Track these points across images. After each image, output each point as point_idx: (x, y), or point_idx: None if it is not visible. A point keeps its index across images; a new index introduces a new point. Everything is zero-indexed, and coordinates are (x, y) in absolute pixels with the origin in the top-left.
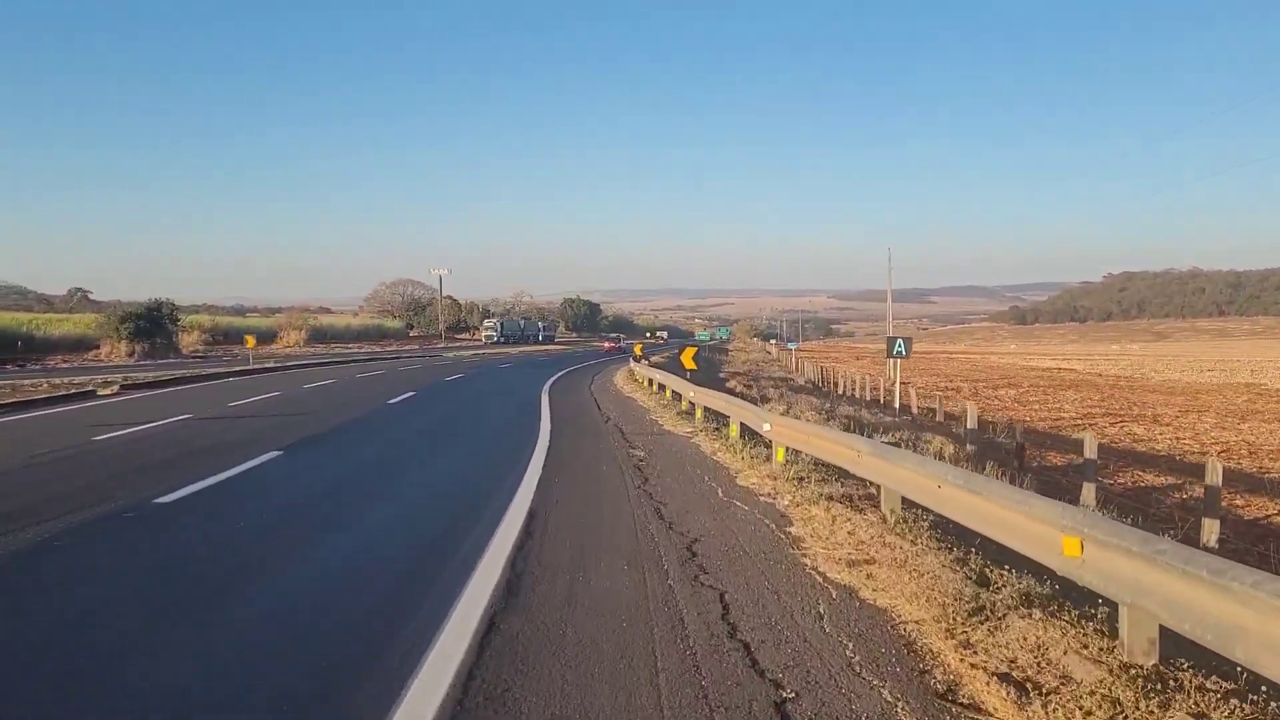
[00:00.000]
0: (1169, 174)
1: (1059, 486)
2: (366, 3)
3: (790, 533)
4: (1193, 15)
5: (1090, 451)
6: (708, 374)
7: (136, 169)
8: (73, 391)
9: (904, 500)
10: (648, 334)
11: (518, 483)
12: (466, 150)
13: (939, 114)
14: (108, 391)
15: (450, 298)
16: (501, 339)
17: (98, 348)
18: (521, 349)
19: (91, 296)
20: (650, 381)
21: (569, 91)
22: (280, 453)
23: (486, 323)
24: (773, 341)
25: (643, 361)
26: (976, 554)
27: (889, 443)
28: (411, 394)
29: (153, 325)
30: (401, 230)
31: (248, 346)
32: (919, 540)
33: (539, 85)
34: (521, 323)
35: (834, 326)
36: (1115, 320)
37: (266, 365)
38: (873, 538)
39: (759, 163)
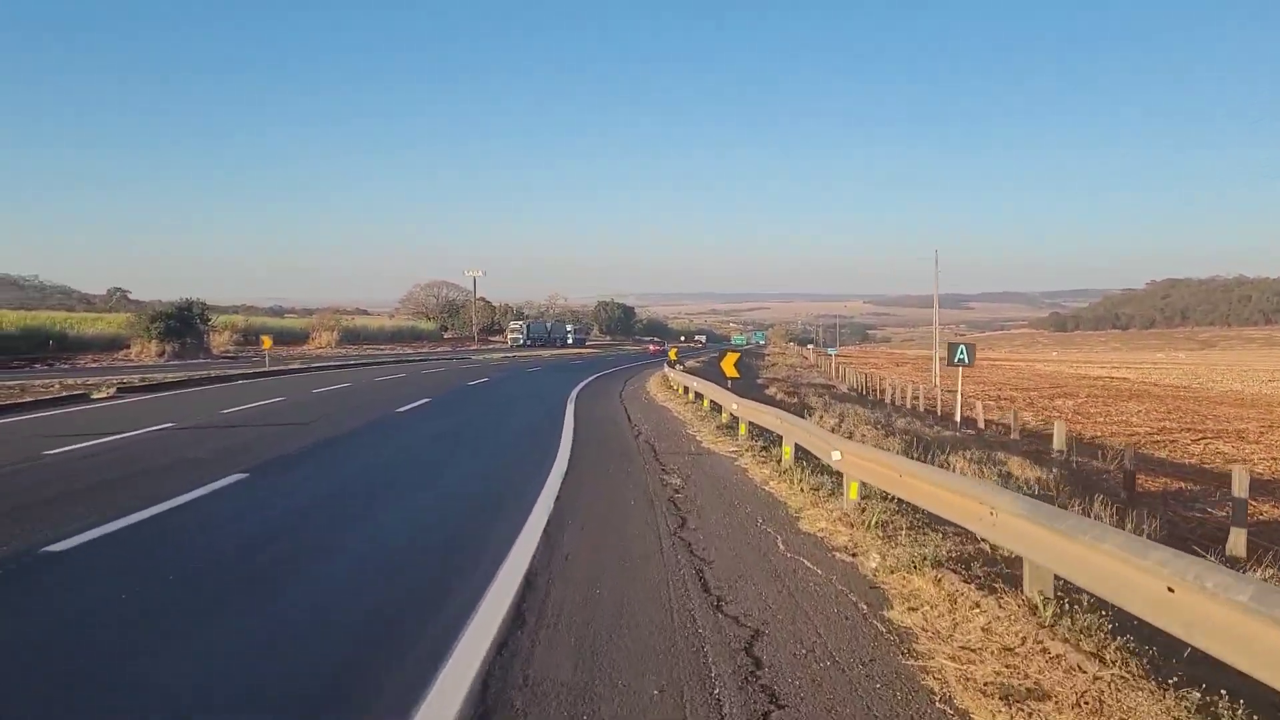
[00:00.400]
0: (1212, 181)
1: (1182, 526)
2: (414, 6)
3: (892, 622)
4: (1230, 20)
5: (1241, 489)
6: (746, 380)
7: (180, 174)
8: (66, 395)
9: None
10: (682, 337)
11: (518, 529)
12: (505, 154)
13: (977, 121)
14: (103, 394)
15: (483, 299)
16: (528, 341)
17: (128, 347)
18: (552, 352)
19: (131, 296)
20: (686, 389)
21: (607, 96)
22: (243, 476)
23: (513, 325)
24: (810, 347)
25: (677, 366)
26: (1227, 700)
27: (1038, 497)
28: (426, 400)
29: (183, 325)
30: (439, 233)
31: (264, 348)
32: (1108, 655)
33: (577, 90)
34: (549, 325)
35: (870, 332)
36: (1158, 328)
37: (289, 367)
38: (1023, 641)
39: (796, 168)
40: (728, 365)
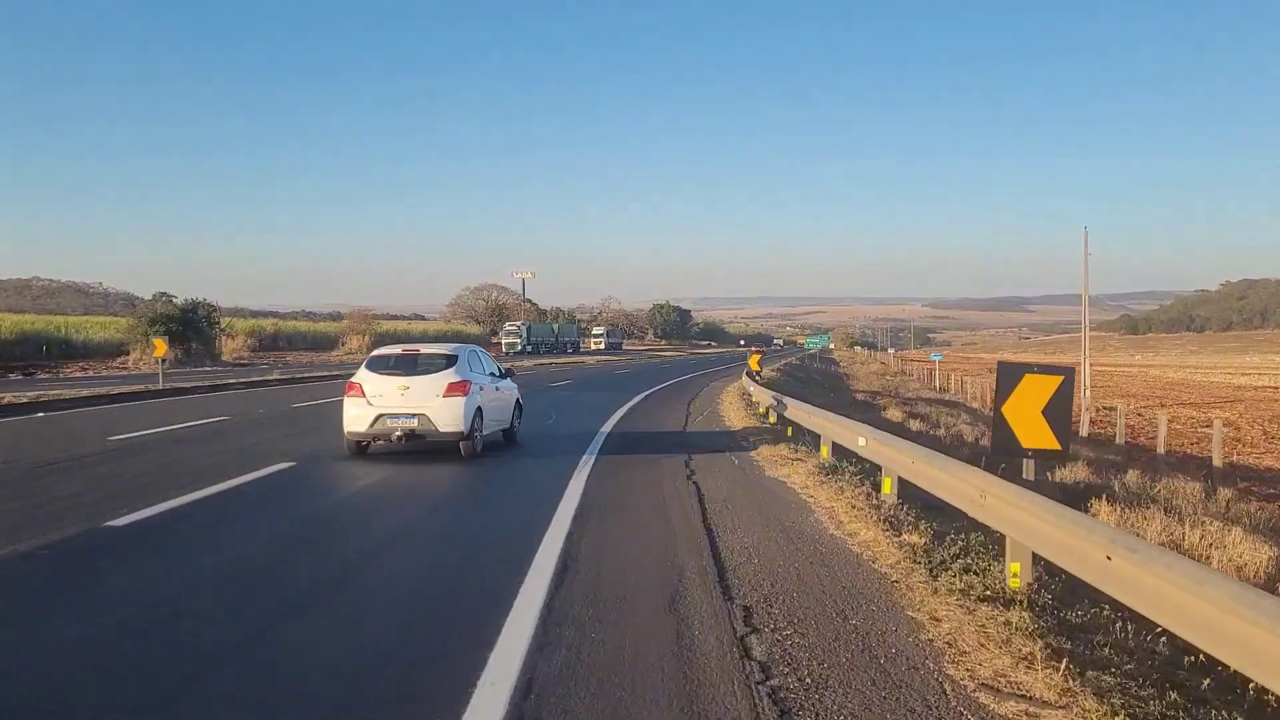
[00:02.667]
0: None
1: None
2: (454, 14)
3: None
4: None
5: None
6: (836, 393)
7: (226, 176)
8: None
9: None
10: (741, 341)
11: None
12: (558, 156)
13: (1030, 123)
14: None
15: (531, 302)
16: (529, 347)
17: (128, 354)
18: (570, 360)
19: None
20: (763, 409)
21: (661, 101)
22: None
23: (507, 327)
24: (892, 351)
25: (757, 379)
26: None
27: None
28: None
29: (187, 329)
30: (492, 236)
31: (225, 352)
32: None
33: (631, 94)
34: (554, 327)
35: (930, 336)
36: (1236, 330)
37: (289, 376)
38: None
39: (853, 169)
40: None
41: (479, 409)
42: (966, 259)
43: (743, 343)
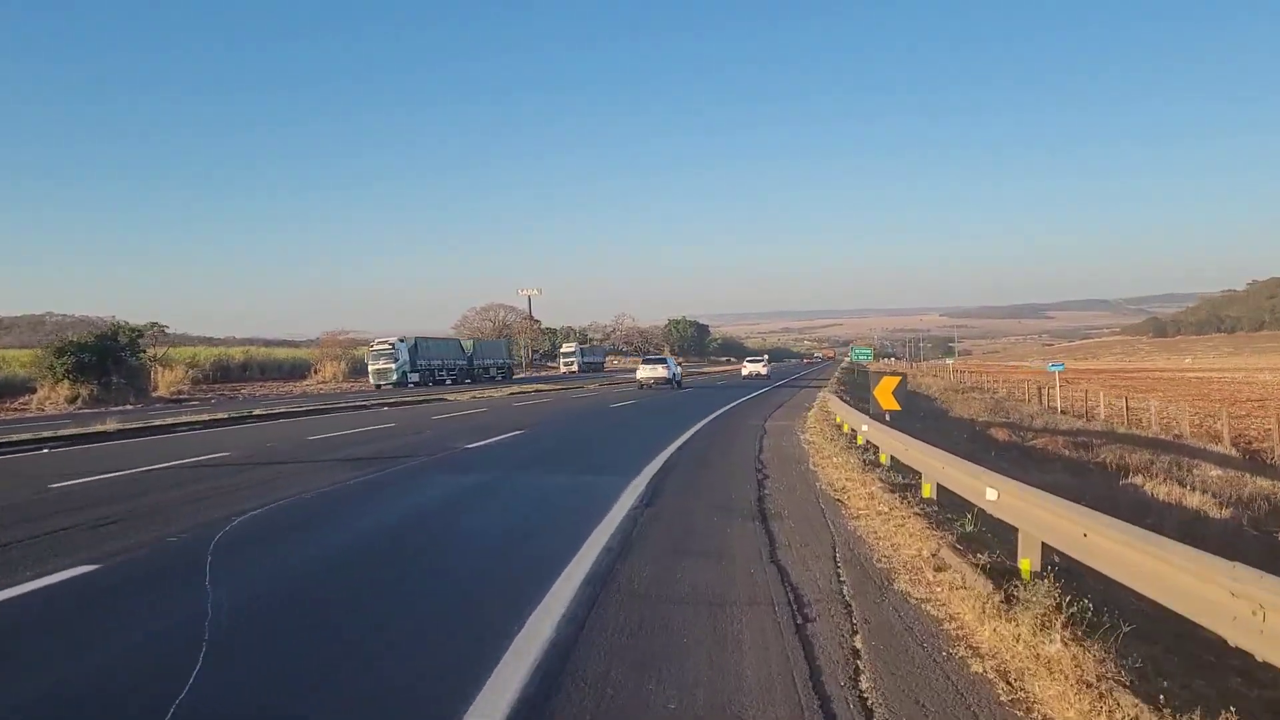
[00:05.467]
0: None
1: None
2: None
3: None
4: None
5: None
6: (936, 427)
7: (201, 202)
8: None
9: None
10: (765, 356)
11: None
12: (567, 173)
13: (1042, 130)
14: None
15: (534, 320)
16: (412, 375)
17: (34, 391)
18: (481, 396)
19: (169, 331)
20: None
21: (672, 114)
22: None
23: (377, 345)
24: (949, 360)
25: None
26: None
27: None
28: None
29: (103, 360)
30: (501, 257)
31: (162, 386)
32: None
33: (640, 107)
34: (465, 345)
35: (950, 345)
36: (1269, 330)
37: (214, 418)
38: None
39: (864, 181)
40: None
41: (676, 372)
42: (983, 267)
43: (766, 357)
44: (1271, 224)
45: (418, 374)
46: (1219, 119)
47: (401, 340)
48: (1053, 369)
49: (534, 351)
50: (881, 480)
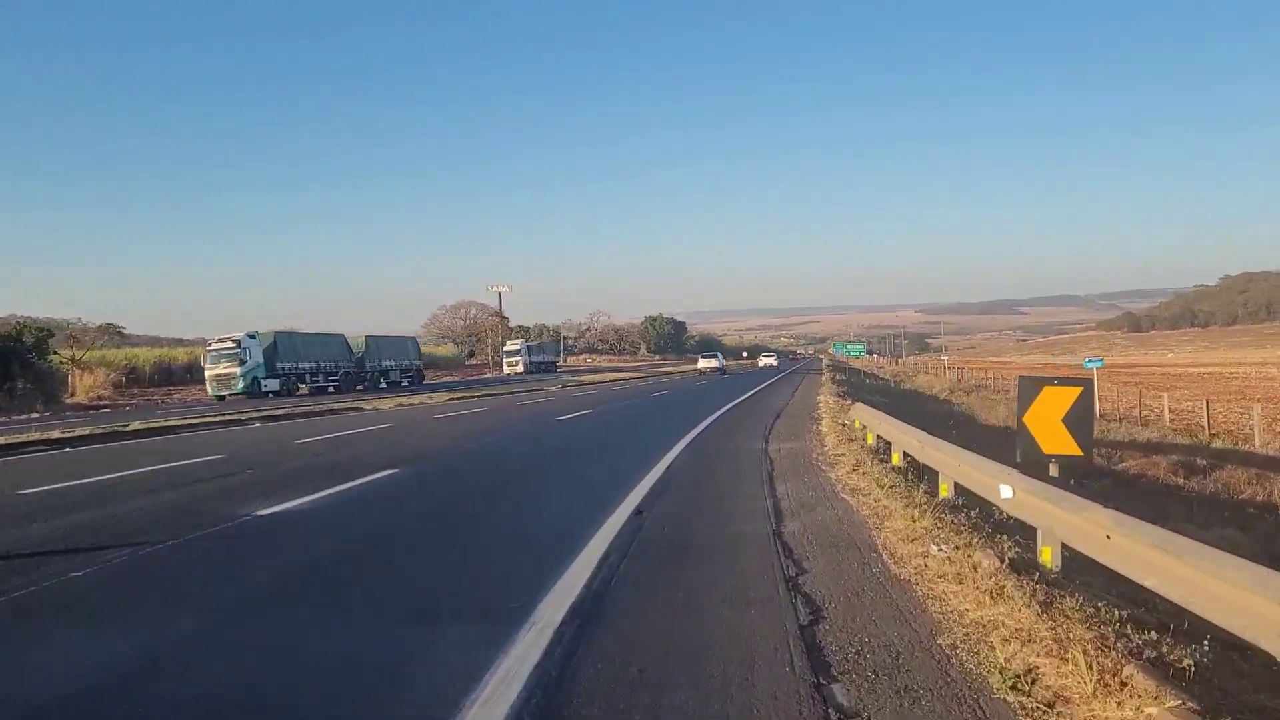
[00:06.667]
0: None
1: None
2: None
3: None
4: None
5: None
6: (974, 435)
7: (165, 205)
8: None
9: None
10: (744, 354)
11: None
12: (540, 170)
13: (1016, 126)
14: None
15: (503, 317)
16: (268, 379)
17: None
18: (349, 410)
19: (126, 332)
20: None
21: (644, 109)
22: None
23: (215, 344)
24: (944, 357)
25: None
26: None
27: None
28: None
29: (9, 362)
30: (474, 256)
31: (81, 391)
32: None
33: (611, 101)
34: (357, 344)
35: (928, 341)
36: (1242, 324)
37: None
38: None
39: (840, 178)
40: None
41: (723, 365)
42: (958, 263)
43: (745, 355)
44: (1243, 219)
45: (277, 380)
46: (1191, 114)
47: (252, 336)
48: (1090, 365)
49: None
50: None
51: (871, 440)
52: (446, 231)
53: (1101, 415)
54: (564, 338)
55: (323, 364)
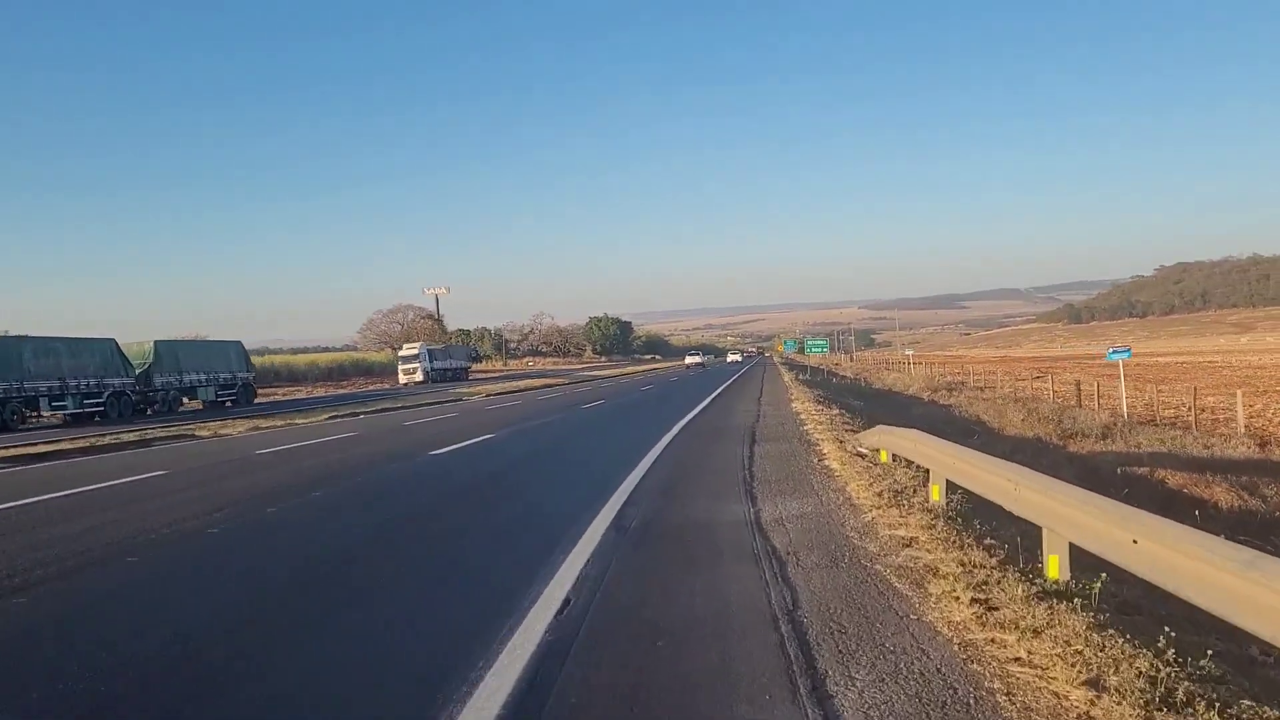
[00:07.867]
0: (1211, 161)
1: None
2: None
3: None
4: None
5: None
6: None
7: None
8: None
9: None
10: (691, 353)
11: None
12: (478, 173)
13: (965, 118)
14: None
15: (437, 320)
16: (68, 400)
17: None
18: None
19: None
20: None
21: (584, 111)
22: None
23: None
24: (909, 352)
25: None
26: None
27: None
28: None
29: None
30: (412, 262)
31: None
32: None
33: (553, 102)
34: (141, 351)
35: (873, 337)
36: (1179, 313)
37: None
38: None
39: (781, 177)
40: None
41: (704, 361)
42: (900, 260)
43: (689, 358)
44: (1176, 210)
45: (76, 398)
46: (1125, 105)
47: (51, 340)
48: (1114, 357)
49: None
50: None
51: (938, 496)
52: (386, 237)
53: (1151, 420)
54: (505, 340)
55: (70, 383)
